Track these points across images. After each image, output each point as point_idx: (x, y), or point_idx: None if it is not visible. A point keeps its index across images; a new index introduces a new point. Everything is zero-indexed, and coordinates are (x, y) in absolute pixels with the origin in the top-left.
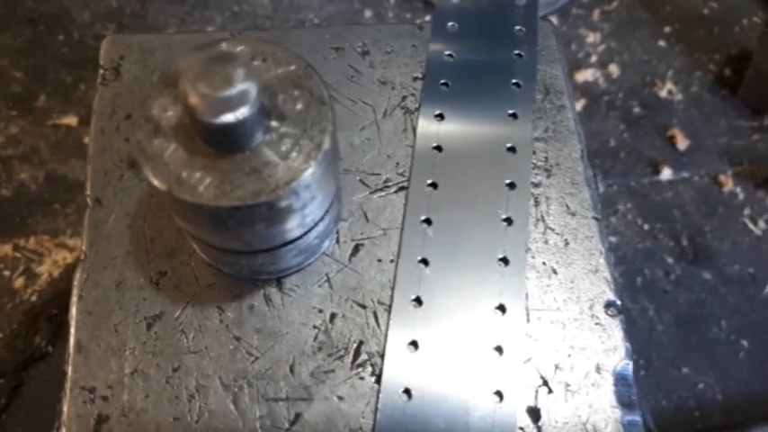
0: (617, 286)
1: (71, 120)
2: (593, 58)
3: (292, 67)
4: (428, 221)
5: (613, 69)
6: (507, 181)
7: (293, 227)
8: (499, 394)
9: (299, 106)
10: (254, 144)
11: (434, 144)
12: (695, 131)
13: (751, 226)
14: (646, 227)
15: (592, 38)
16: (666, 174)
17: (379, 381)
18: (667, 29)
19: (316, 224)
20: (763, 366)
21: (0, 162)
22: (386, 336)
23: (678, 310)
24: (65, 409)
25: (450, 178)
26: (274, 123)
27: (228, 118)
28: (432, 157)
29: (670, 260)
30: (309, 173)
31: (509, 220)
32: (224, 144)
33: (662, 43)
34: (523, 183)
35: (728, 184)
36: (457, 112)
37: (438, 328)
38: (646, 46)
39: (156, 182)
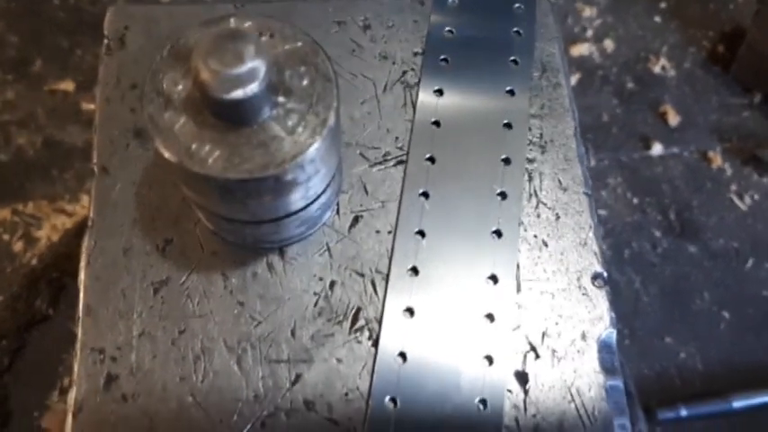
0: (604, 259)
1: (68, 85)
2: (589, 33)
3: (299, 44)
4: (425, 195)
5: (608, 44)
6: (503, 156)
7: (297, 199)
8: (489, 359)
9: (305, 82)
10: (261, 119)
11: (433, 119)
12: (687, 108)
13: (737, 201)
14: (635, 201)
15: (588, 12)
16: (657, 149)
17: (375, 345)
18: (663, 4)
19: (318, 196)
20: (743, 337)
21: None
22: (383, 303)
23: (663, 282)
24: (75, 368)
25: (447, 153)
26: (281, 99)
27: (238, 94)
28: (430, 131)
29: (657, 233)
30: (315, 147)
31: (503, 194)
32: (233, 118)
33: (657, 19)
34: (518, 158)
35: (717, 160)
36: (456, 87)
37: (433, 296)
38: (641, 21)
39: (166, 154)
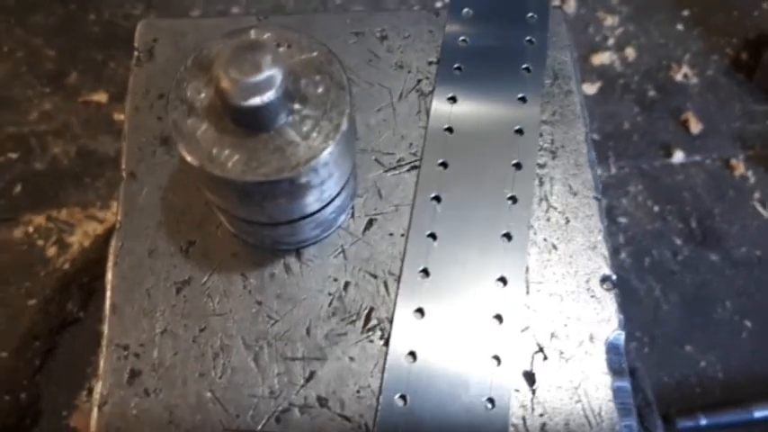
0: (613, 262)
1: (101, 96)
2: (611, 41)
3: (315, 54)
4: (437, 199)
5: (630, 53)
6: (514, 161)
7: (312, 201)
8: (497, 359)
9: (320, 90)
10: (278, 124)
11: (446, 125)
12: (709, 115)
13: (760, 209)
14: (656, 208)
15: (610, 21)
16: (678, 157)
17: (387, 344)
18: (686, 12)
19: (332, 199)
20: (764, 347)
21: (35, 137)
22: (395, 303)
23: (684, 290)
24: (101, 363)
25: (460, 158)
26: (297, 106)
27: (256, 101)
28: (443, 137)
29: (678, 241)
30: (328, 152)
31: (514, 199)
32: (251, 124)
33: (680, 27)
34: (529, 163)
35: (740, 168)
36: (469, 95)
37: (443, 297)
38: (663, 30)
39: (189, 158)
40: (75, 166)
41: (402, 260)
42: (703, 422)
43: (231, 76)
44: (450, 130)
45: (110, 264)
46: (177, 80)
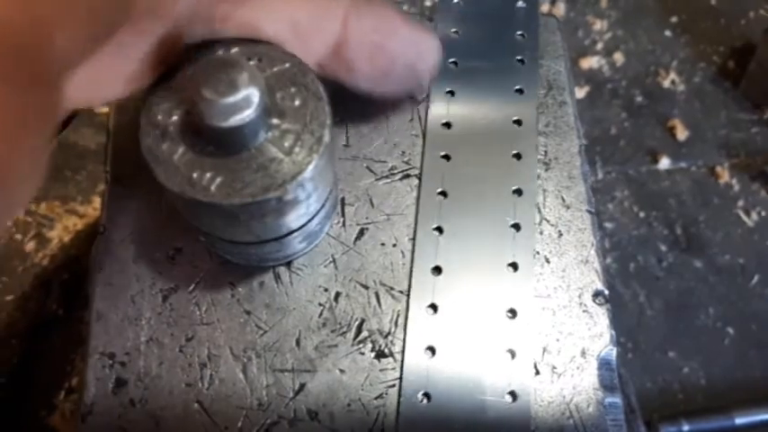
0: (606, 276)
1: None
2: (599, 46)
3: (287, 65)
4: (439, 230)
5: (618, 57)
6: (514, 188)
7: (299, 216)
8: (513, 395)
9: (297, 102)
10: (258, 142)
11: (443, 152)
12: (695, 122)
13: (744, 217)
14: (641, 214)
15: (599, 25)
16: (664, 163)
17: (378, 357)
18: (674, 19)
19: (318, 211)
20: (746, 354)
21: None
22: (404, 341)
23: (668, 296)
24: (87, 372)
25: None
26: (276, 121)
27: (236, 121)
28: (441, 165)
29: (663, 248)
30: (313, 166)
31: (517, 226)
32: (231, 144)
33: (668, 33)
34: (529, 188)
35: (725, 175)
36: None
37: (453, 330)
38: (651, 35)
39: (168, 185)
40: (55, 158)
41: (408, 294)
42: (686, 428)
43: (207, 98)
44: (447, 157)
45: (94, 269)
46: (147, 105)
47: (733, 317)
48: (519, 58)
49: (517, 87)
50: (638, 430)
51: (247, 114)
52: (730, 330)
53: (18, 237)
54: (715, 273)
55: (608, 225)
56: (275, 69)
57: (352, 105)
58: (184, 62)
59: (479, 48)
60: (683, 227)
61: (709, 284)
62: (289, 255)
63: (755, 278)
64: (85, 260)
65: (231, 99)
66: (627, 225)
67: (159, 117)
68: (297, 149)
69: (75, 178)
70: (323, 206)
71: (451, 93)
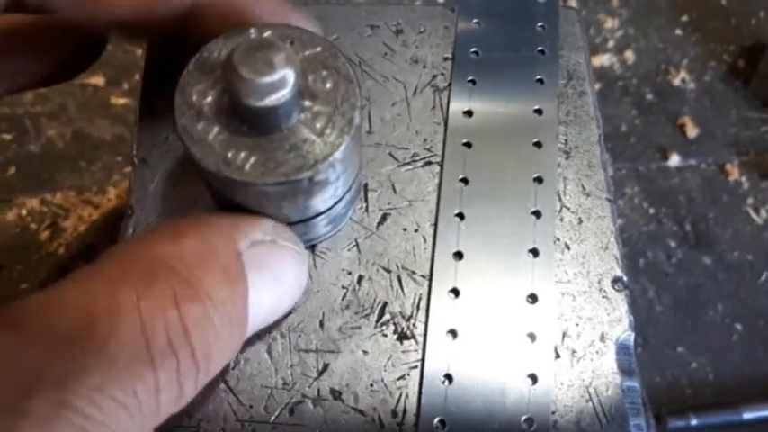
0: (624, 263)
1: (98, 80)
2: (611, 44)
3: (318, 49)
4: (461, 216)
5: (629, 55)
6: (535, 175)
7: (328, 197)
8: (533, 377)
9: (328, 85)
10: (291, 123)
11: (464, 140)
12: (705, 120)
13: (753, 215)
14: (651, 211)
15: (610, 23)
16: (674, 160)
17: (401, 339)
18: (685, 17)
19: (344, 194)
20: (754, 350)
21: (29, 119)
22: (426, 325)
23: (677, 292)
24: None
25: (480, 173)
26: (308, 103)
27: (272, 101)
28: (462, 152)
29: (673, 244)
30: (344, 146)
31: (537, 213)
32: (265, 124)
33: (678, 32)
34: (550, 176)
35: (734, 173)
36: (485, 108)
37: (474, 316)
38: (662, 34)
39: (204, 164)
40: (70, 149)
41: (429, 279)
42: (694, 422)
43: (245, 77)
44: (468, 145)
45: None
46: (180, 85)
47: (741, 313)
48: (540, 48)
49: (538, 77)
50: (648, 423)
51: (283, 95)
52: (738, 326)
53: (33, 226)
54: (724, 269)
55: (618, 221)
56: (307, 53)
57: (375, 93)
58: (213, 45)
59: (500, 38)
60: (693, 224)
61: (718, 281)
62: (313, 238)
63: (764, 275)
64: (101, 249)
65: (268, 79)
66: (637, 221)
67: (194, 97)
68: (328, 131)
69: (90, 169)
70: (349, 189)
71: (473, 82)
